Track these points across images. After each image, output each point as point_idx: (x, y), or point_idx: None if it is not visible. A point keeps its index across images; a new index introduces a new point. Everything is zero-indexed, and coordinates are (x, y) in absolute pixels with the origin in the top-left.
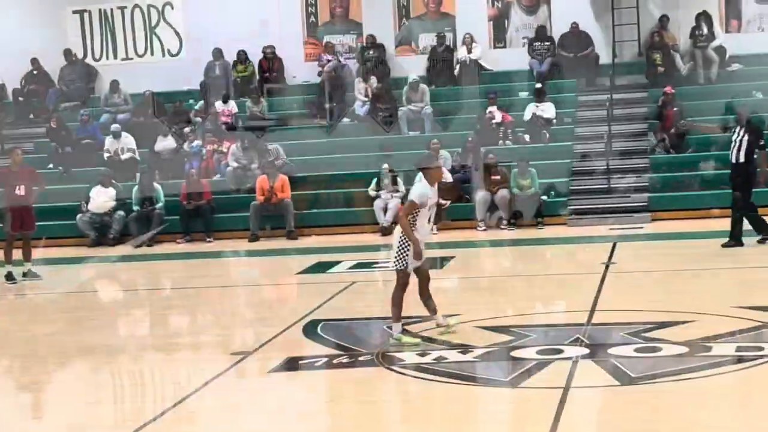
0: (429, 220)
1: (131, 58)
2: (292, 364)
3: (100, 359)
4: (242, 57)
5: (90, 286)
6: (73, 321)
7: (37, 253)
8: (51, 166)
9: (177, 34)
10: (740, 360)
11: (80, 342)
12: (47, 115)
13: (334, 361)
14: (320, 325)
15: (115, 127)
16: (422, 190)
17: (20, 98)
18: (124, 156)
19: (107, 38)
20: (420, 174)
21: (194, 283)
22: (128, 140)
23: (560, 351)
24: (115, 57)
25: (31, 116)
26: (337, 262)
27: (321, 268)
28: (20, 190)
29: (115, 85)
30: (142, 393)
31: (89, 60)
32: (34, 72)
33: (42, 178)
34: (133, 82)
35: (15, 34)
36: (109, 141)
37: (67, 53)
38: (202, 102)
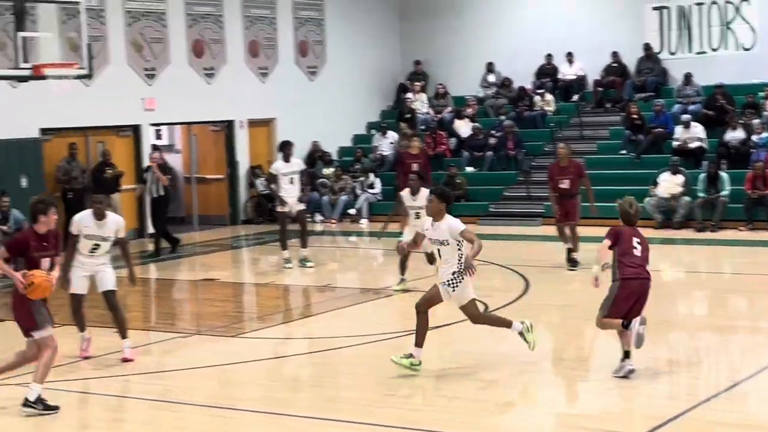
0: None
1: (704, 52)
2: None
3: (658, 333)
4: None
5: (653, 266)
6: None
7: None
8: (624, 151)
9: (752, 28)
10: None
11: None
12: (622, 105)
13: None
14: None
15: (685, 117)
16: None
17: (599, 88)
18: (693, 145)
19: (683, 33)
20: None
21: (754, 270)
22: (697, 129)
23: None
24: (690, 51)
25: (608, 105)
26: None
27: None
28: (564, 184)
29: (688, 78)
30: (696, 370)
31: (664, 54)
32: (613, 65)
33: (586, 175)
34: (704, 75)
35: (598, 29)
36: (679, 130)
37: (646, 47)
38: None
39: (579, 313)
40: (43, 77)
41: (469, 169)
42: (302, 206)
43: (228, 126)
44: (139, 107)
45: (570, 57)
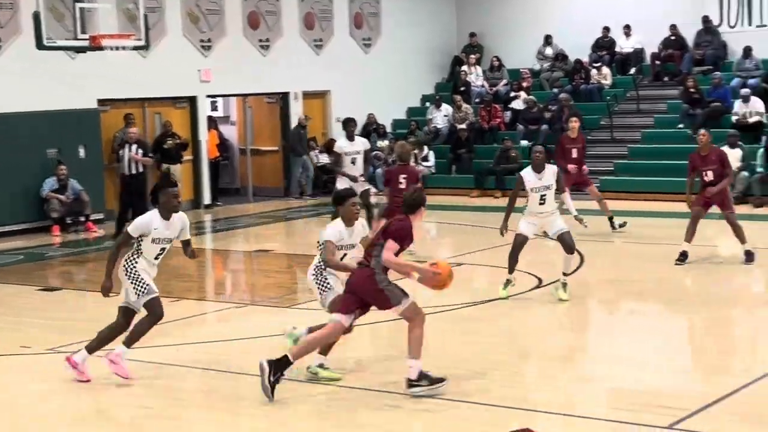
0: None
1: (765, 26)
2: None
3: (712, 309)
4: None
5: (710, 242)
6: (693, 272)
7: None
8: (681, 126)
9: None
10: None
11: (695, 290)
12: (679, 78)
13: None
14: None
15: (744, 91)
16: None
17: (657, 62)
18: (752, 119)
19: (743, 6)
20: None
21: None
22: (757, 104)
23: None
24: (750, 24)
25: (665, 79)
26: None
27: None
28: (708, 176)
29: (747, 51)
30: (751, 346)
31: (724, 27)
32: (672, 38)
33: (730, 165)
34: (764, 48)
35: (656, 1)
36: (738, 104)
37: (705, 20)
38: None
39: (633, 289)
40: (101, 48)
41: (524, 143)
42: (367, 186)
43: (283, 98)
44: (195, 79)
45: (627, 30)
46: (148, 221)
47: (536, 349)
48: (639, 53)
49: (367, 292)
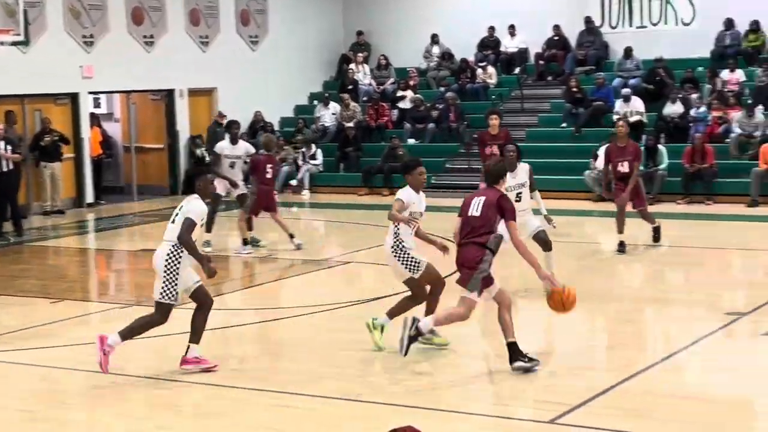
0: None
1: (645, 27)
2: None
3: (596, 306)
4: (754, 27)
5: (593, 239)
6: (578, 269)
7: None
8: (564, 124)
9: (691, 3)
10: None
11: (580, 287)
12: (563, 78)
13: None
14: None
15: (625, 91)
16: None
17: (540, 61)
18: (633, 118)
19: (624, 7)
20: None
21: (690, 243)
22: (637, 104)
23: None
24: (631, 25)
25: (549, 78)
26: None
27: None
28: (623, 167)
29: (628, 52)
30: (633, 342)
31: (605, 28)
32: (555, 38)
33: (640, 159)
34: (645, 49)
35: (540, 2)
36: (619, 104)
37: (587, 21)
38: (709, 70)
39: (520, 285)
40: None
41: (411, 141)
42: (244, 190)
43: (168, 95)
44: (77, 75)
45: (512, 29)
46: (203, 206)
47: (423, 346)
48: (523, 53)
49: (466, 266)
